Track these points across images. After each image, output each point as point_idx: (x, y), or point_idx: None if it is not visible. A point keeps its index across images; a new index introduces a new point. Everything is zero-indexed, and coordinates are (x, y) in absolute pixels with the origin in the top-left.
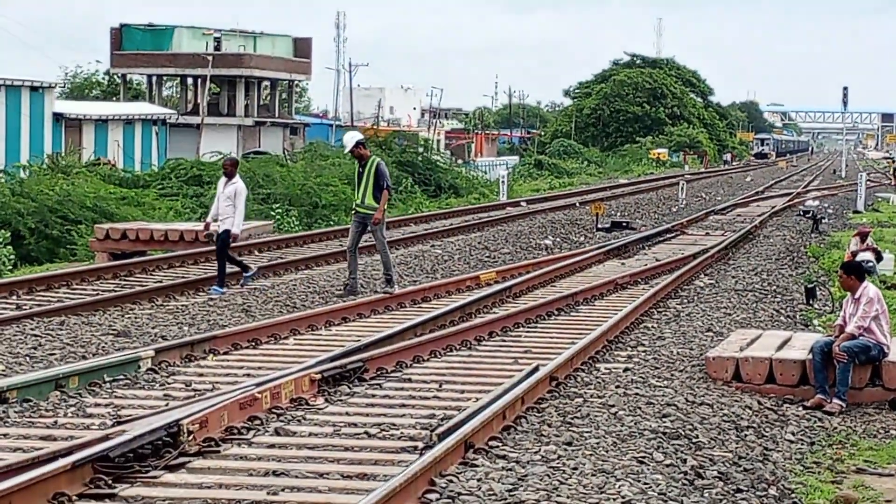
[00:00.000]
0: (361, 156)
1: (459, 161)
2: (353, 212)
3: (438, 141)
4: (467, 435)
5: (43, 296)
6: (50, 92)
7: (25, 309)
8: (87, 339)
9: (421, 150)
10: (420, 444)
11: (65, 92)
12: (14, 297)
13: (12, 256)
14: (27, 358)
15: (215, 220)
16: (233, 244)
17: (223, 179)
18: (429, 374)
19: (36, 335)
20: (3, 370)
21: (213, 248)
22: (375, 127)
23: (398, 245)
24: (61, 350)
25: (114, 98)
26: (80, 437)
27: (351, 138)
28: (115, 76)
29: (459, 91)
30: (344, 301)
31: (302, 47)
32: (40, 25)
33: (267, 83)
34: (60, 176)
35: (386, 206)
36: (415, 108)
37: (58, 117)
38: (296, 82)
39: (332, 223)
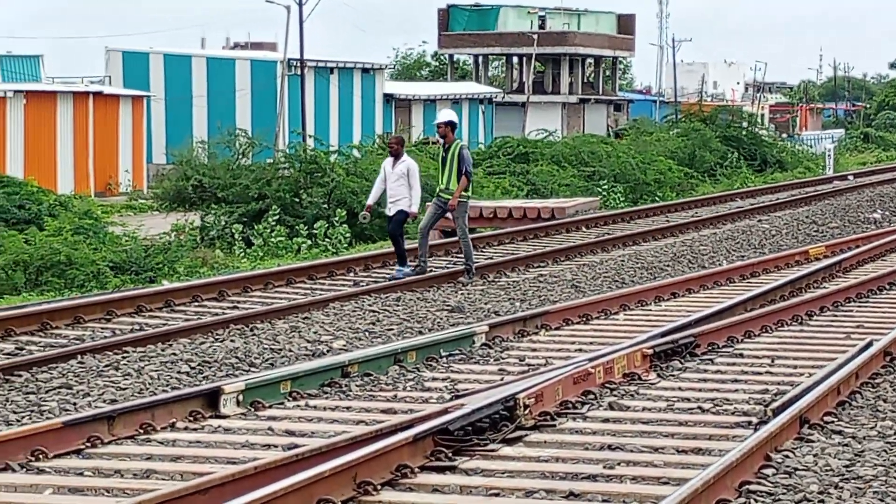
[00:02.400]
0: (446, 136)
1: (784, 135)
2: (437, 195)
3: (763, 115)
4: (802, 410)
5: (378, 272)
6: (380, 73)
7: (363, 285)
8: (423, 315)
9: (745, 124)
10: (754, 420)
11: (394, 73)
12: (352, 275)
13: (348, 234)
14: (366, 333)
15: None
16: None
17: (389, 160)
18: (760, 349)
19: (374, 311)
20: (345, 345)
21: (533, 226)
22: (699, 102)
23: (724, 220)
24: (398, 325)
25: (441, 78)
26: (419, 410)
27: (446, 114)
28: (443, 56)
29: (783, 65)
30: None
31: (625, 24)
32: (372, 8)
33: (591, 60)
34: None
35: (464, 192)
36: (738, 83)
37: (388, 98)
38: (619, 59)
39: (657, 199)
